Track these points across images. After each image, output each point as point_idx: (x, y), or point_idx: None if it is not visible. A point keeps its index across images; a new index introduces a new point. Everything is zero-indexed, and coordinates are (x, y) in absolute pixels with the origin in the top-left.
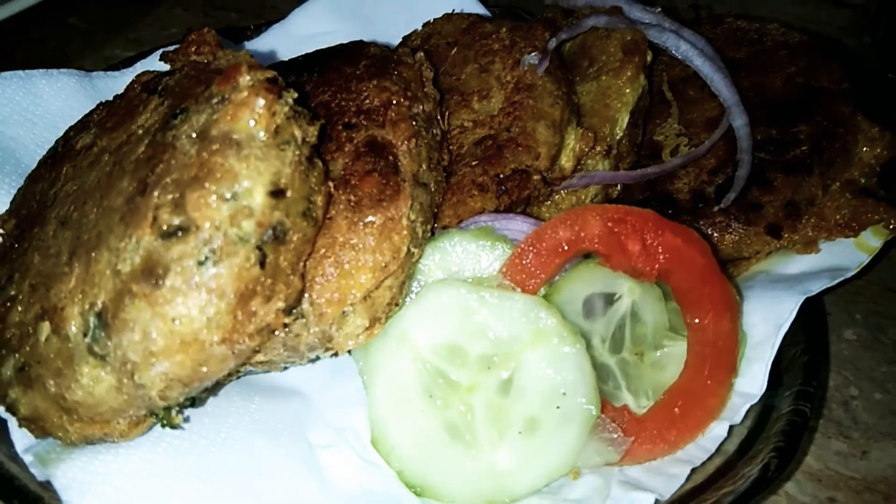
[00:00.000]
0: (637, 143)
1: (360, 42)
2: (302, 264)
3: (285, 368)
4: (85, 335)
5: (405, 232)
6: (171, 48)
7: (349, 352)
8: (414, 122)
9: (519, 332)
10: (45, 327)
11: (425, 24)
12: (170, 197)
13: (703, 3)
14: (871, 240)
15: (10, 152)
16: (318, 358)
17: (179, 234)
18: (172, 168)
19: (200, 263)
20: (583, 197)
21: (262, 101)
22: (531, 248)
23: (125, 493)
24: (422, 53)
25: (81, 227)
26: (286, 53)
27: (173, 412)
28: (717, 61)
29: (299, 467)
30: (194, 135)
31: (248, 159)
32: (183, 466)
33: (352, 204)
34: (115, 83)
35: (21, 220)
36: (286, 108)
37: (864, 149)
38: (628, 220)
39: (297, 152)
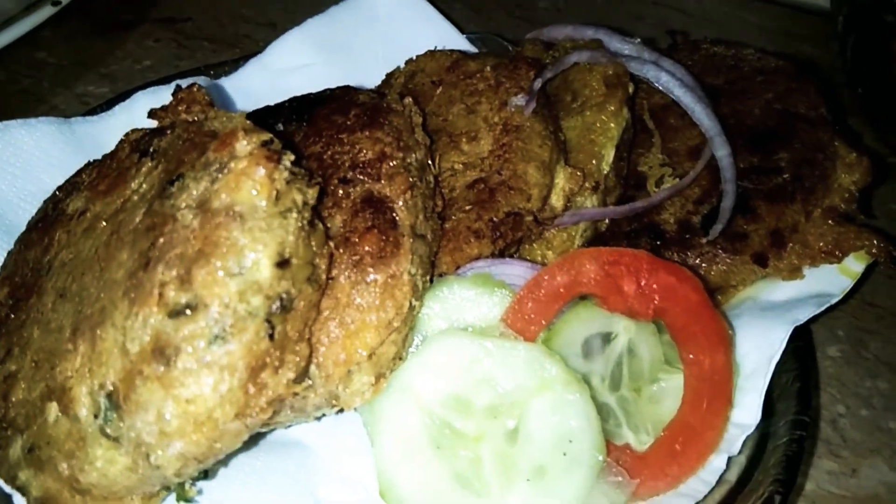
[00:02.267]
0: (623, 176)
1: (348, 88)
2: (308, 329)
3: (289, 426)
4: (96, 416)
5: (407, 287)
6: (160, 107)
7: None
8: (409, 174)
9: (523, 381)
10: (53, 408)
11: (408, 62)
12: (174, 273)
13: (678, 30)
14: (854, 265)
15: None
16: (324, 415)
17: (188, 312)
18: (175, 241)
19: (211, 342)
20: (573, 233)
21: (262, 171)
22: (531, 296)
23: None
24: (410, 98)
25: (83, 301)
26: (265, 88)
27: (187, 485)
28: (697, 91)
29: None
30: (195, 205)
31: (253, 231)
32: None
33: (353, 262)
34: (93, 128)
35: (14, 287)
36: (285, 173)
37: (843, 175)
38: (623, 261)
39: (299, 217)
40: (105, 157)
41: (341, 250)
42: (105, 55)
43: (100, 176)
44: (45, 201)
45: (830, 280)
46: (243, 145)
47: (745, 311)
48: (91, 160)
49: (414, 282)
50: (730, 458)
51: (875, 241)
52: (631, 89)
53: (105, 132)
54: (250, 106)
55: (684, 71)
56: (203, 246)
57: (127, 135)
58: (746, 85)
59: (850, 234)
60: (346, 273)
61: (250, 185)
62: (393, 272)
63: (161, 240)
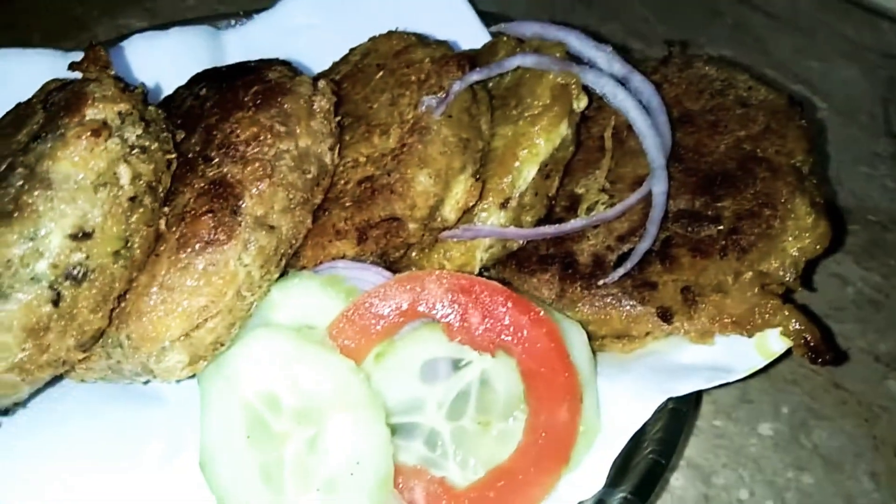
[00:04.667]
0: (550, 196)
1: (271, 62)
2: (110, 302)
3: (131, 383)
4: None
5: (229, 277)
6: (77, 61)
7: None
8: (273, 161)
9: (327, 393)
10: None
11: (370, 39)
12: None
13: (679, 40)
14: (775, 343)
15: None
16: (148, 381)
17: None
18: (2, 196)
19: None
20: (473, 248)
21: (84, 143)
22: (358, 310)
23: None
24: (324, 82)
25: None
26: (268, 45)
27: None
28: (660, 115)
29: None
30: (30, 166)
31: (53, 201)
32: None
33: (180, 243)
34: None
35: None
36: (118, 147)
37: (792, 238)
38: (474, 290)
39: (116, 194)
40: (27, 100)
41: (175, 229)
42: None
43: (14, 119)
44: None
45: (741, 354)
46: (90, 114)
47: (640, 366)
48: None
49: (247, 272)
50: None
51: (793, 322)
52: (582, 104)
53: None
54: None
55: (654, 92)
56: (13, 207)
57: (46, 83)
58: (723, 116)
59: (769, 308)
60: (170, 253)
61: (69, 155)
62: (215, 260)
63: None
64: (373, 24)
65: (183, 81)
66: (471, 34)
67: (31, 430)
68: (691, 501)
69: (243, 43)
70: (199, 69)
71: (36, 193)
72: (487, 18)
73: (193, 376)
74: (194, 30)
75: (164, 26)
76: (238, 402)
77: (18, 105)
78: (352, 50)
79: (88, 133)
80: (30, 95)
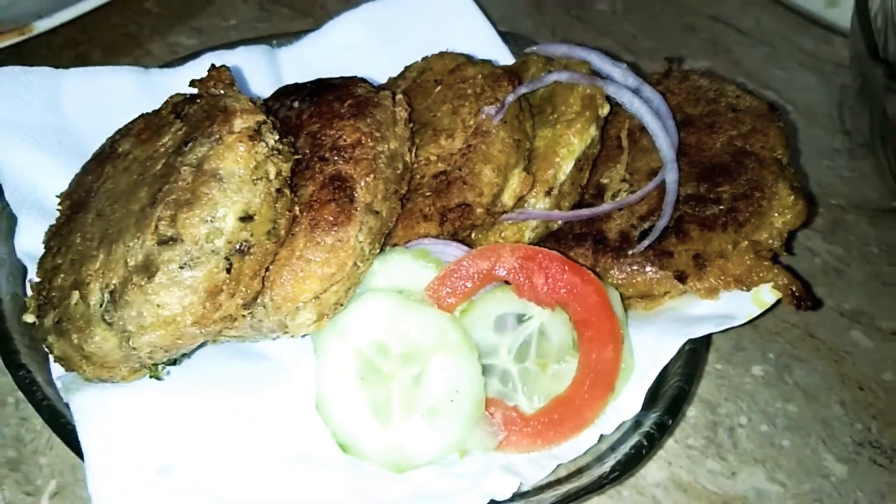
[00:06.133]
0: (582, 185)
1: (353, 79)
2: (263, 270)
3: (256, 341)
4: (101, 306)
5: (350, 251)
6: (198, 79)
7: (305, 336)
8: (375, 161)
9: (430, 339)
10: (76, 295)
11: (423, 59)
12: (168, 213)
13: (675, 57)
14: (767, 295)
15: (77, 140)
16: (278, 337)
17: (171, 243)
18: (174, 189)
19: (182, 267)
20: (523, 228)
21: (242, 147)
22: (451, 274)
23: (124, 418)
24: (401, 95)
25: (110, 222)
26: (317, 61)
27: (159, 367)
28: (668, 119)
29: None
30: (193, 165)
31: (226, 192)
32: (172, 401)
33: (312, 225)
34: (166, 80)
35: (73, 203)
36: (265, 149)
37: (777, 214)
38: (536, 258)
39: (268, 186)
40: (153, 111)
41: (305, 214)
42: (198, 10)
43: (145, 127)
44: (107, 139)
45: (740, 306)
46: (238, 123)
47: (661, 319)
48: (144, 112)
49: (361, 247)
50: (602, 436)
51: (782, 278)
52: (606, 111)
53: (173, 84)
54: (302, 75)
55: (661, 99)
56: (190, 196)
57: (171, 97)
58: (718, 119)
59: (763, 268)
60: (305, 233)
61: (233, 156)
62: (340, 237)
63: (167, 186)
64: (406, 44)
65: (250, 94)
66: (496, 52)
67: (180, 384)
68: (702, 427)
69: (296, 60)
70: (261, 83)
71: (211, 185)
72: (506, 38)
73: (308, 336)
74: (255, 49)
75: (228, 46)
76: (351, 350)
77: (144, 115)
78: (407, 67)
79: (246, 138)
80: (121, 108)
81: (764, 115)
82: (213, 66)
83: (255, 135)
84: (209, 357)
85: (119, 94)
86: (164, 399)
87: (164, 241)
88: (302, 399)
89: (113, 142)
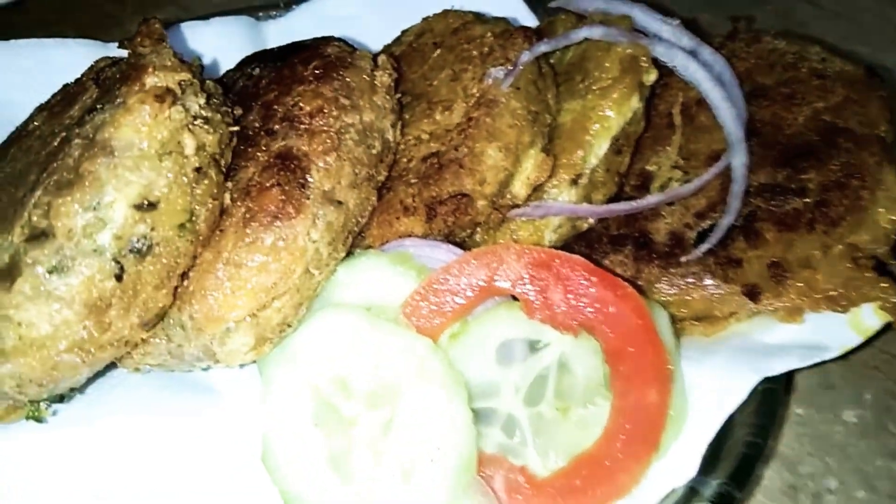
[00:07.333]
0: (621, 173)
1: (326, 39)
2: (175, 279)
3: (190, 370)
4: None
5: (298, 253)
6: (127, 38)
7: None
8: (339, 135)
9: (403, 373)
10: None
11: (424, 19)
12: (46, 199)
13: (744, 16)
14: (870, 319)
15: (9, 118)
16: (209, 368)
17: (42, 238)
18: (59, 168)
19: (51, 272)
20: (542, 227)
21: (147, 109)
22: (435, 285)
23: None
24: (385, 57)
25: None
26: (310, 34)
27: (42, 405)
28: (732, 88)
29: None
30: (89, 136)
31: (117, 169)
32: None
33: (246, 218)
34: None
35: None
36: (182, 116)
37: (883, 210)
38: (553, 265)
39: (182, 164)
40: (76, 80)
41: (240, 203)
42: None
43: (60, 98)
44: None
45: (833, 332)
46: (153, 80)
47: (726, 348)
48: (66, 83)
49: (315, 249)
50: None
51: (891, 296)
52: (652, 77)
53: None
54: None
55: (725, 64)
56: (74, 177)
57: (96, 62)
58: (799, 88)
59: (865, 282)
60: (236, 228)
61: (132, 123)
62: (285, 235)
63: (53, 165)
64: (413, 13)
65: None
66: (518, 18)
67: (84, 419)
68: (778, 492)
69: (284, 33)
70: (242, 58)
71: (98, 161)
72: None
73: (254, 362)
74: (235, 20)
75: (203, 18)
76: (305, 386)
77: (66, 85)
78: (404, 31)
79: (151, 99)
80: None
81: (860, 81)
82: (143, 19)
83: (166, 94)
84: (133, 386)
85: (68, 70)
86: (56, 448)
87: (35, 237)
88: (245, 447)
89: (30, 119)
